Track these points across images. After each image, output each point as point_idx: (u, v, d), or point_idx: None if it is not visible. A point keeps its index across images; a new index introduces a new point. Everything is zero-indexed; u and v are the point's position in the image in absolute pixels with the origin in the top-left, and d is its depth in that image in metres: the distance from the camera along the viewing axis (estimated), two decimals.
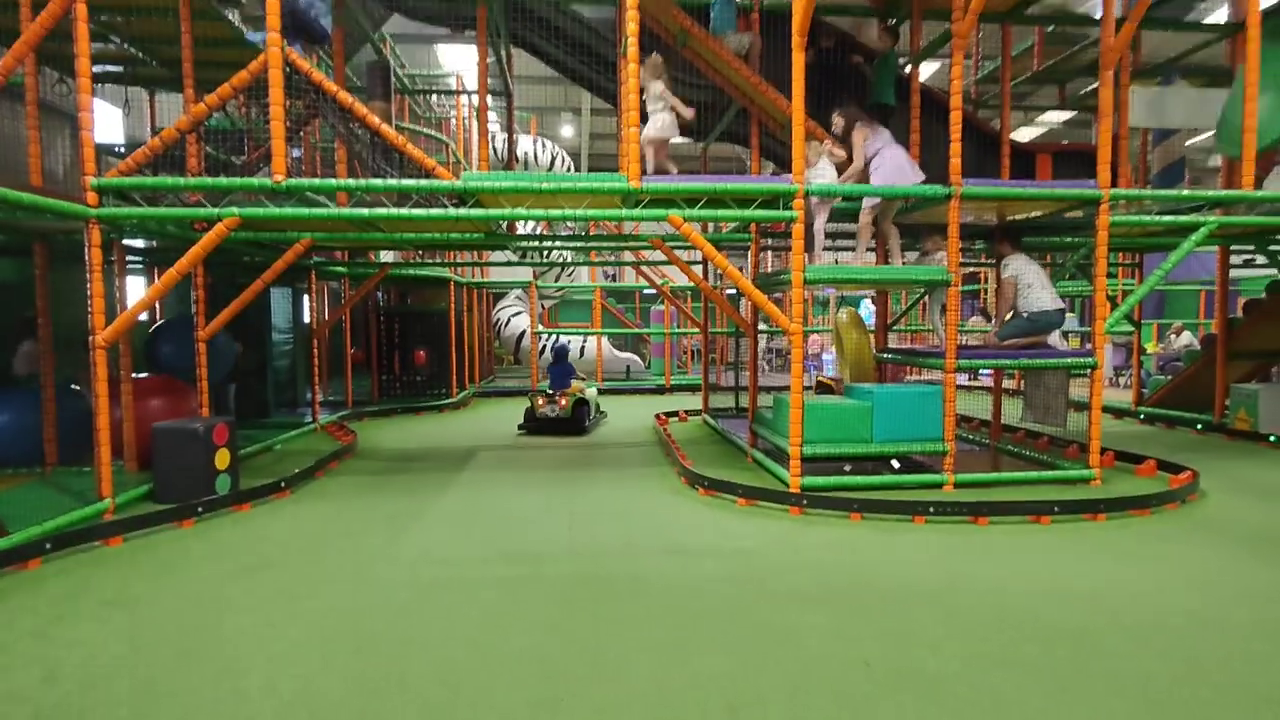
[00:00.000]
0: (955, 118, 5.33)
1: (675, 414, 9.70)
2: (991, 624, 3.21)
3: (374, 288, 9.98)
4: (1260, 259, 8.51)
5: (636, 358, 15.22)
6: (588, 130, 19.97)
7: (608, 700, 2.59)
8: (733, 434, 7.64)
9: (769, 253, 9.44)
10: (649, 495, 5.59)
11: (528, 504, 5.35)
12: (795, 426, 5.32)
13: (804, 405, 5.40)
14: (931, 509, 4.81)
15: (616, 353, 14.80)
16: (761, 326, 8.46)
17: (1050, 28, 8.55)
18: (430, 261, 11.08)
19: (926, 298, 6.95)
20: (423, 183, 4.94)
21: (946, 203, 5.39)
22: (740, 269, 6.75)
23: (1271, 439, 7.50)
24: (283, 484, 5.56)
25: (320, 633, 3.15)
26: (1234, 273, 10.61)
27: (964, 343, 6.15)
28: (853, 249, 6.55)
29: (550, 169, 15.57)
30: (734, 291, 8.75)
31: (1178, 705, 2.52)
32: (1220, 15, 10.94)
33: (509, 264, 11.36)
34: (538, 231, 12.28)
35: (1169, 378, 10.63)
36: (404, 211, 5.04)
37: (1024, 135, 19.02)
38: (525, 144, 13.47)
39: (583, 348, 14.12)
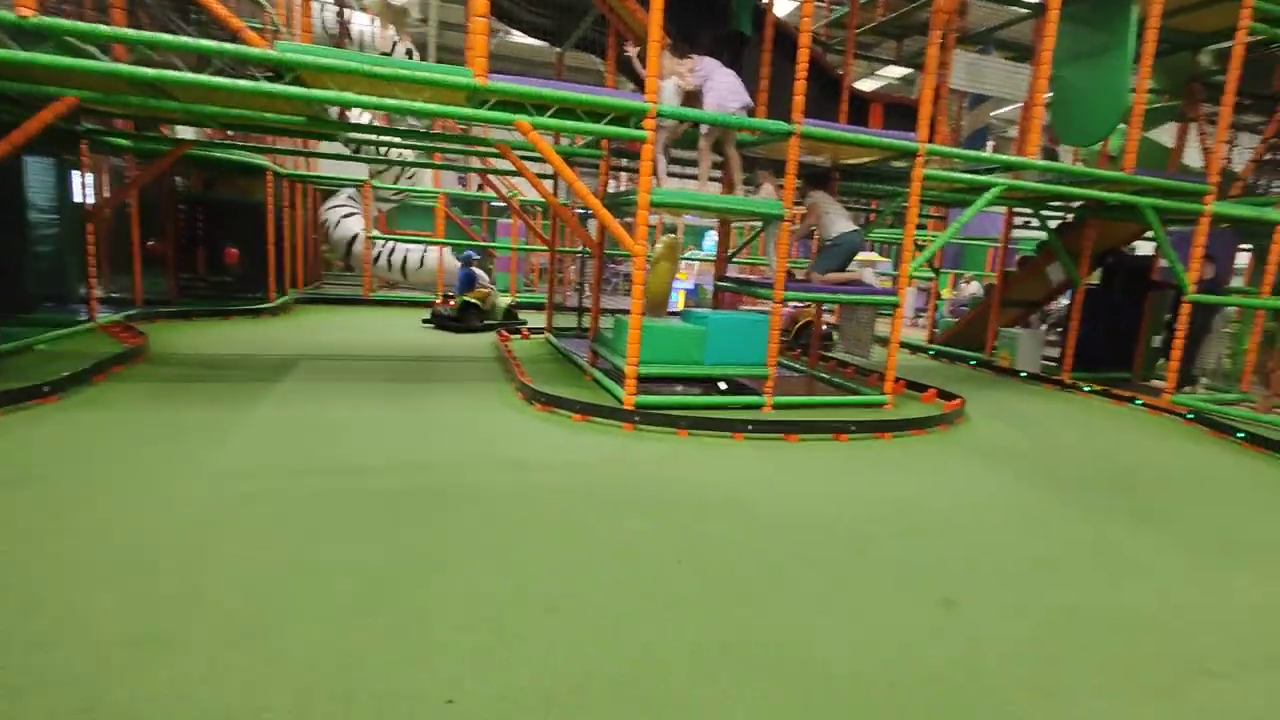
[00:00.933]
0: (803, 56, 5.50)
1: (518, 331, 9.56)
2: (791, 526, 3.61)
3: (169, 169, 8.58)
4: (1035, 222, 9.88)
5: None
6: (436, 17, 18.14)
7: (428, 603, 2.60)
8: (574, 353, 7.71)
9: (622, 174, 9.36)
10: (485, 410, 5.53)
11: (355, 417, 5.07)
12: (633, 347, 5.47)
13: (643, 327, 5.56)
14: (750, 427, 5.24)
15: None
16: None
17: None
18: (243, 145, 9.71)
19: (764, 231, 7.31)
20: (226, 46, 4.23)
21: (787, 139, 5.62)
22: (591, 188, 6.64)
23: (1023, 374, 8.97)
24: (46, 388, 4.78)
25: (98, 551, 2.82)
26: (1016, 233, 12.32)
27: (794, 276, 6.60)
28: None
29: (390, 56, 14.03)
30: (585, 210, 8.65)
31: (928, 582, 3.02)
32: None
33: (340, 157, 10.24)
34: (374, 124, 11.15)
35: (956, 320, 12.22)
36: (201, 78, 4.30)
37: (866, 86, 20.18)
38: (361, 22, 11.96)
39: (422, 258, 13.33)
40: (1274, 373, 7.22)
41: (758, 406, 5.96)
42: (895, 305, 6.38)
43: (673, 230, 12.87)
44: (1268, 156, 7.88)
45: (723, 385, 6.15)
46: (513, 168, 6.40)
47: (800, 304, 9.05)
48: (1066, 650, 2.59)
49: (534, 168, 7.42)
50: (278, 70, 4.50)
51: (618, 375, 5.93)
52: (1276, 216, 7.32)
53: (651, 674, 2.28)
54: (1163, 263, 8.50)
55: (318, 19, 11.36)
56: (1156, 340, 9.16)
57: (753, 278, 8.51)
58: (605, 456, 4.59)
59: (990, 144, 8.32)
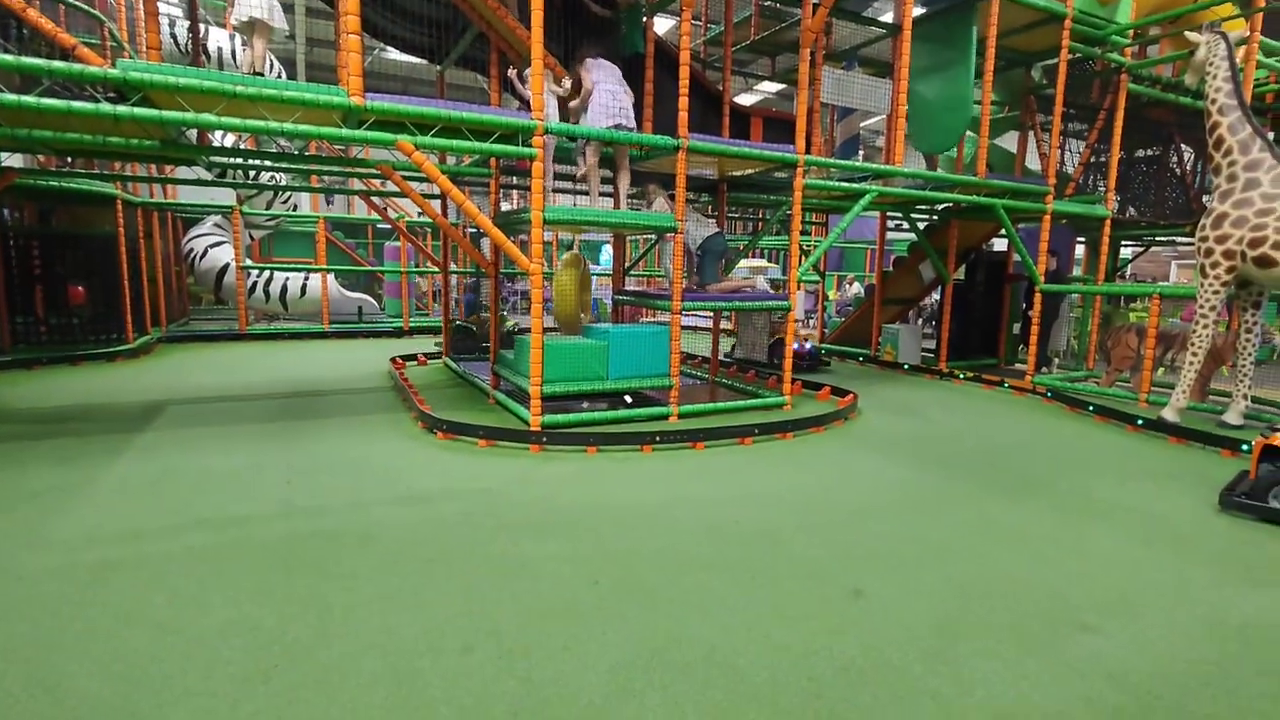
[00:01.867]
0: (684, 74, 5.65)
1: (414, 358, 9.19)
2: (703, 533, 3.65)
3: None
4: (906, 225, 10.63)
5: (369, 298, 14.03)
6: (304, 33, 17.25)
7: (331, 660, 2.42)
8: (474, 376, 7.50)
9: (514, 192, 9.24)
10: (382, 444, 5.26)
11: (234, 463, 4.67)
12: (535, 366, 5.38)
13: (544, 345, 5.49)
14: (658, 438, 5.28)
15: (346, 293, 13.47)
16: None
17: (766, 1, 9.46)
18: (84, 172, 8.79)
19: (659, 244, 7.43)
20: (57, 65, 3.81)
21: (675, 153, 5.75)
22: (482, 207, 6.50)
23: (905, 367, 9.60)
24: None
25: None
26: (890, 235, 13.22)
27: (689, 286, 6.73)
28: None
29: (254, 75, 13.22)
30: (478, 229, 8.43)
31: (836, 574, 3.14)
32: (889, 15, 13.10)
33: (202, 183, 9.49)
34: (240, 146, 10.43)
35: (843, 319, 12.93)
36: (26, 100, 3.84)
37: (745, 100, 21.08)
38: (219, 38, 11.16)
39: (304, 285, 12.56)
40: (1113, 350, 8.12)
41: (664, 417, 6.02)
42: (787, 309, 6.65)
43: (569, 247, 12.82)
44: (1092, 159, 8.88)
45: (628, 399, 6.17)
46: (397, 189, 6.15)
47: (776, 320, 9.25)
48: (960, 621, 2.77)
49: (420, 188, 7.19)
50: (121, 91, 4.10)
51: (521, 396, 5.82)
52: (1104, 212, 8.26)
53: (572, 699, 2.22)
54: (1016, 257, 9.37)
55: (167, 35, 10.51)
56: (1016, 328, 10.08)
57: (650, 290, 8.63)
58: (513, 481, 4.48)
59: (861, 153, 8.91)
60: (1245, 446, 5.22)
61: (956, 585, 3.12)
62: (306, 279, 12.63)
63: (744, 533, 3.68)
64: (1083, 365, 9.36)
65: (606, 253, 15.59)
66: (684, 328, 7.13)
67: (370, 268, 14.57)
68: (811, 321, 16.36)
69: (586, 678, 2.35)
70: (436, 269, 10.71)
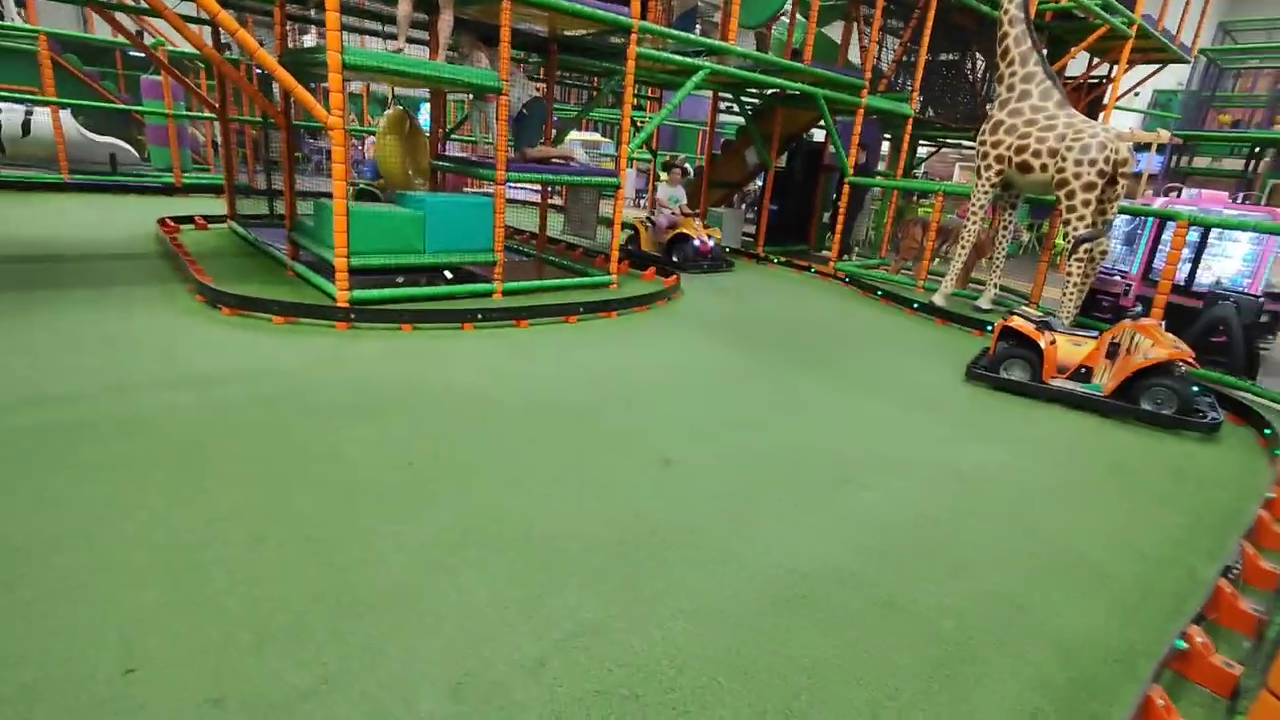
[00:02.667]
0: None
1: (190, 220, 7.86)
2: (522, 411, 3.64)
3: None
4: (736, 108, 10.70)
5: (126, 145, 11.60)
6: None
7: (94, 559, 2.12)
8: (268, 245, 6.61)
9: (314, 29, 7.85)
10: (150, 319, 4.52)
11: None
12: (340, 236, 4.83)
13: (351, 213, 4.91)
14: (480, 316, 5.08)
15: (91, 135, 10.97)
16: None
17: None
18: None
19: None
20: None
21: (498, 2, 5.13)
22: (265, 43, 5.43)
23: (726, 250, 10.01)
24: None
25: None
26: (721, 118, 13.27)
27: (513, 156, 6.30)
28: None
29: None
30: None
31: (649, 446, 3.30)
32: None
33: None
34: None
35: None
36: None
37: None
38: None
39: (26, 123, 10.03)
40: (902, 241, 9.06)
41: (487, 294, 5.78)
42: (616, 187, 6.51)
43: (399, 101, 11.34)
44: (905, 58, 9.40)
45: (449, 274, 5.81)
46: (148, 5, 4.89)
47: (675, 213, 8.42)
48: (756, 485, 3.07)
49: (186, 9, 5.81)
50: None
51: (326, 268, 5.24)
52: (908, 110, 8.88)
53: (380, 580, 2.16)
54: (831, 149, 9.88)
55: None
56: (826, 216, 10.84)
57: (473, 157, 7.98)
58: (317, 361, 4.10)
59: (698, 28, 8.64)
60: (989, 327, 6.17)
61: (754, 452, 3.43)
62: (30, 114, 10.07)
63: (563, 409, 3.72)
64: (877, 254, 10.37)
65: (425, 112, 14.08)
66: (510, 201, 6.74)
67: (123, 105, 11.91)
68: (643, 201, 16.37)
69: (396, 559, 2.29)
70: (212, 114, 9.00)
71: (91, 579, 2.06)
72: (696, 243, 8.01)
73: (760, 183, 11.90)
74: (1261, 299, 5.79)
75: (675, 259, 8.10)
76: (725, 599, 2.26)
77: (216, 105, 7.62)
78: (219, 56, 6.04)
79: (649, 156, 12.64)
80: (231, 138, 7.95)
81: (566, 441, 3.32)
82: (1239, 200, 9.15)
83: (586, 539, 2.51)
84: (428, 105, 8.54)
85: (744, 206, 13.21)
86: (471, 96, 6.48)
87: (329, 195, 4.87)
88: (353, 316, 4.77)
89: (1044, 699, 1.97)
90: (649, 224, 8.57)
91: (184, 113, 11.60)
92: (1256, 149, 14.29)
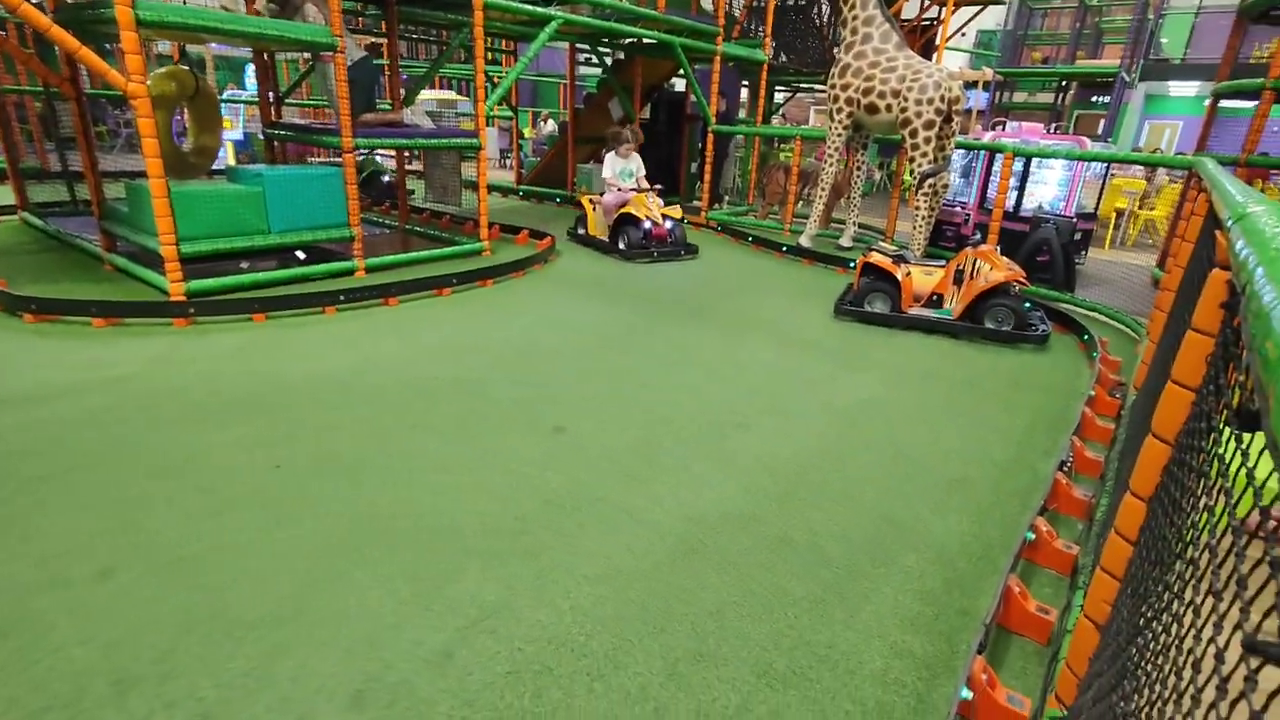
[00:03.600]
0: None
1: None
2: (403, 394, 3.44)
3: None
4: (594, 59, 10.46)
5: None
6: None
7: None
8: (75, 236, 5.76)
9: None
10: None
11: None
12: (164, 222, 4.28)
13: (173, 194, 4.36)
14: (342, 297, 4.72)
15: None
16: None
17: None
18: None
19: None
20: None
21: None
22: None
23: (580, 192, 9.89)
24: None
25: None
26: (580, 70, 12.94)
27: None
28: None
29: None
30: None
31: (540, 415, 3.24)
32: None
33: None
34: None
35: (539, 159, 12.69)
36: None
37: None
38: None
39: None
40: (768, 186, 9.35)
41: (348, 272, 5.39)
42: (477, 148, 6.21)
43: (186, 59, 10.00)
44: (755, 3, 9.53)
45: (301, 254, 5.34)
46: None
47: (625, 190, 6.97)
48: (649, 442, 3.10)
49: None
50: None
51: (153, 259, 4.65)
52: (762, 57, 9.05)
53: (259, 599, 1.99)
54: (693, 98, 9.93)
55: None
56: (694, 166, 10.95)
57: (314, 124, 7.30)
58: (158, 363, 3.66)
59: None
60: (852, 264, 6.53)
61: (645, 408, 3.45)
62: None
63: (447, 388, 3.56)
64: (745, 200, 10.65)
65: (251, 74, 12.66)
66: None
67: None
68: (508, 161, 15.80)
69: (275, 571, 2.12)
70: None
71: None
72: (647, 224, 6.71)
73: None
74: (1074, 219, 6.51)
75: (620, 245, 6.84)
76: (629, 559, 2.28)
77: None
78: None
79: (510, 113, 12.14)
80: (9, 112, 6.77)
81: (452, 421, 3.19)
82: (1051, 130, 10.18)
83: (482, 521, 2.44)
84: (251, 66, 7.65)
85: None
86: (310, 56, 5.87)
87: (144, 175, 4.28)
88: (193, 310, 4.28)
89: (922, 603, 2.16)
90: (595, 204, 7.35)
91: None
92: (1063, 83, 15.90)
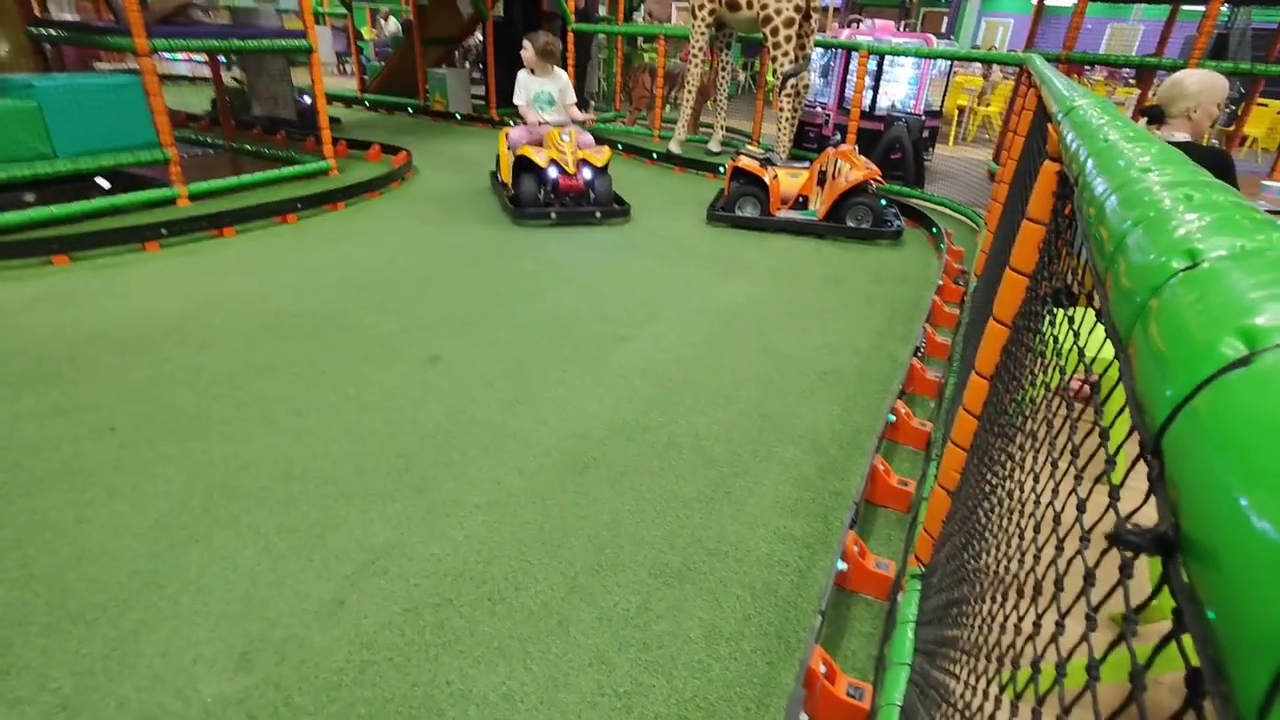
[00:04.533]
0: None
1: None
2: (253, 335, 3.12)
3: None
4: None
5: None
6: None
7: None
8: None
9: None
10: None
11: None
12: None
13: None
14: (164, 230, 4.14)
15: None
16: None
17: None
18: None
19: None
20: None
21: None
22: None
23: (458, 117, 9.21)
24: None
25: None
26: None
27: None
28: None
29: None
30: None
31: (412, 345, 3.07)
32: None
33: None
34: None
35: (383, 64, 11.49)
36: None
37: None
38: None
39: None
40: (634, 90, 9.06)
41: (169, 200, 4.71)
42: (308, 50, 5.48)
43: None
44: None
45: (104, 183, 4.58)
46: None
47: (539, 121, 5.05)
48: (527, 361, 3.04)
49: None
50: None
51: None
52: None
53: (106, 579, 1.80)
54: None
55: None
56: None
57: (100, 23, 6.11)
58: None
59: None
60: (721, 169, 6.56)
61: (518, 328, 3.36)
62: None
63: (304, 325, 3.27)
64: (611, 106, 10.29)
65: None
66: (170, 78, 5.32)
67: None
68: (348, 67, 14.22)
69: (123, 544, 1.91)
70: None
71: None
72: (552, 172, 4.89)
73: (481, 36, 10.91)
74: (923, 117, 6.85)
75: (512, 199, 5.11)
76: (521, 482, 2.26)
77: None
78: None
79: (344, 10, 10.79)
80: None
81: (314, 362, 2.95)
82: (901, 28, 10.49)
83: (360, 461, 2.31)
84: None
85: (468, 65, 12.11)
86: None
87: None
88: None
89: (800, 489, 2.32)
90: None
91: None
92: None
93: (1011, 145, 3.65)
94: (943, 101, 8.00)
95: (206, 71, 9.25)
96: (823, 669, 1.52)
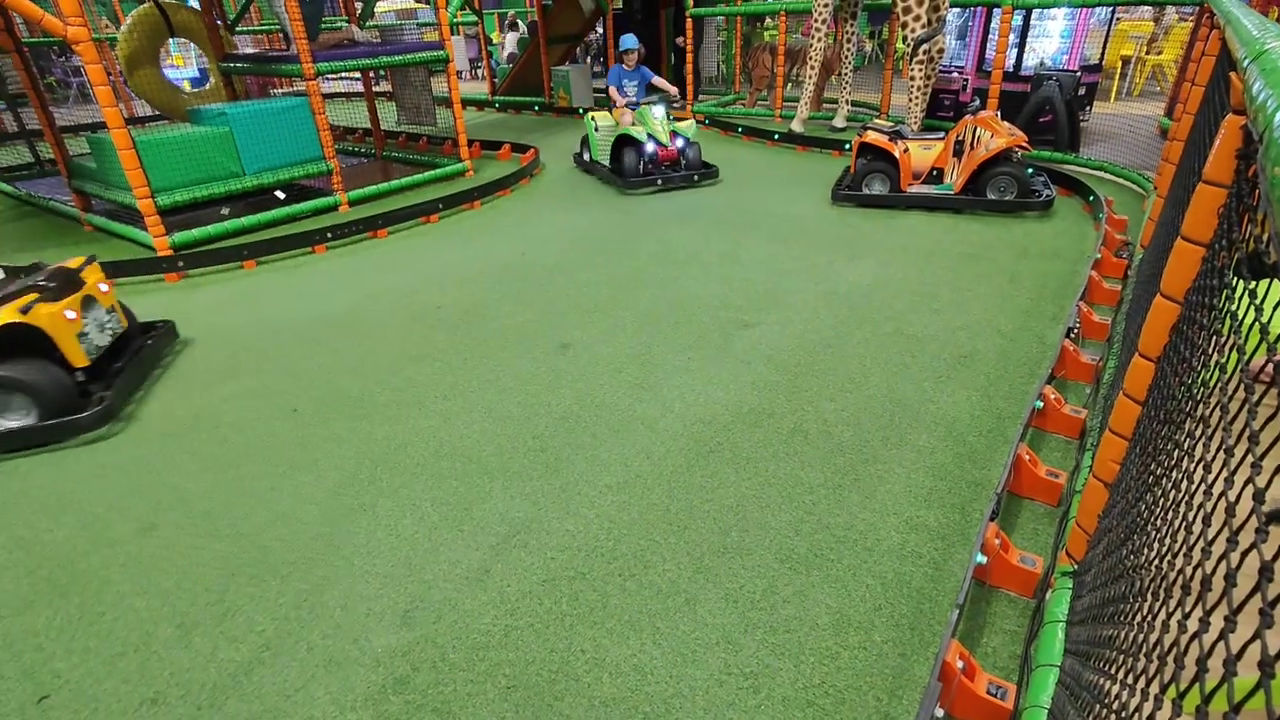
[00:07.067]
0: None
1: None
2: (405, 326, 3.44)
3: None
4: None
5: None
6: None
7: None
8: (49, 199, 5.60)
9: None
10: None
11: None
12: (135, 174, 4.14)
13: (138, 143, 4.19)
14: (330, 234, 4.63)
15: None
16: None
17: None
18: None
19: None
20: None
21: None
22: None
23: (580, 111, 9.48)
24: None
25: None
26: None
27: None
28: None
29: None
30: None
31: (545, 333, 3.24)
32: None
33: None
34: None
35: (510, 66, 12.04)
36: None
37: None
38: None
39: None
40: (754, 70, 8.88)
41: (333, 208, 5.25)
42: (445, 60, 5.88)
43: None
44: None
45: (280, 194, 5.19)
46: None
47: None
48: (653, 348, 3.11)
49: None
50: None
51: (134, 215, 4.53)
52: None
53: (295, 537, 2.08)
54: None
55: None
56: (674, 57, 10.38)
57: (269, 52, 6.90)
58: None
59: None
60: (847, 146, 6.30)
61: (646, 315, 3.44)
62: None
63: (448, 316, 3.55)
64: (731, 88, 10.15)
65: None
66: (330, 96, 5.94)
67: None
68: (479, 71, 15.02)
69: (307, 511, 2.19)
70: None
71: None
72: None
73: (600, 30, 11.13)
74: (1079, 73, 6.19)
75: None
76: (648, 465, 2.34)
77: None
78: None
79: (474, 18, 11.41)
80: None
81: (459, 349, 3.20)
82: None
83: (500, 442, 2.49)
84: None
85: (589, 60, 12.41)
86: None
87: (104, 126, 4.10)
88: (182, 264, 4.22)
89: (935, 478, 2.22)
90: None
91: None
92: None
93: (1188, 97, 3.23)
94: (1103, 53, 7.17)
95: (359, 87, 10.14)
96: (960, 664, 1.47)
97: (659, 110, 5.51)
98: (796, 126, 7.02)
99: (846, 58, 7.04)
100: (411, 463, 2.40)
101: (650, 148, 5.51)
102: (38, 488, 2.38)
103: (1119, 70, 8.87)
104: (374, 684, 1.62)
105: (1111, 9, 7.10)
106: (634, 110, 5.56)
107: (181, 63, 10.03)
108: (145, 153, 4.23)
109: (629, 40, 5.81)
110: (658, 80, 5.84)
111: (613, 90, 5.80)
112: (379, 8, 7.96)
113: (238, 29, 7.04)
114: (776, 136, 7.13)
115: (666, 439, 2.47)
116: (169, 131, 4.56)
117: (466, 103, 10.53)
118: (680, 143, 5.62)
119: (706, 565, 1.92)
